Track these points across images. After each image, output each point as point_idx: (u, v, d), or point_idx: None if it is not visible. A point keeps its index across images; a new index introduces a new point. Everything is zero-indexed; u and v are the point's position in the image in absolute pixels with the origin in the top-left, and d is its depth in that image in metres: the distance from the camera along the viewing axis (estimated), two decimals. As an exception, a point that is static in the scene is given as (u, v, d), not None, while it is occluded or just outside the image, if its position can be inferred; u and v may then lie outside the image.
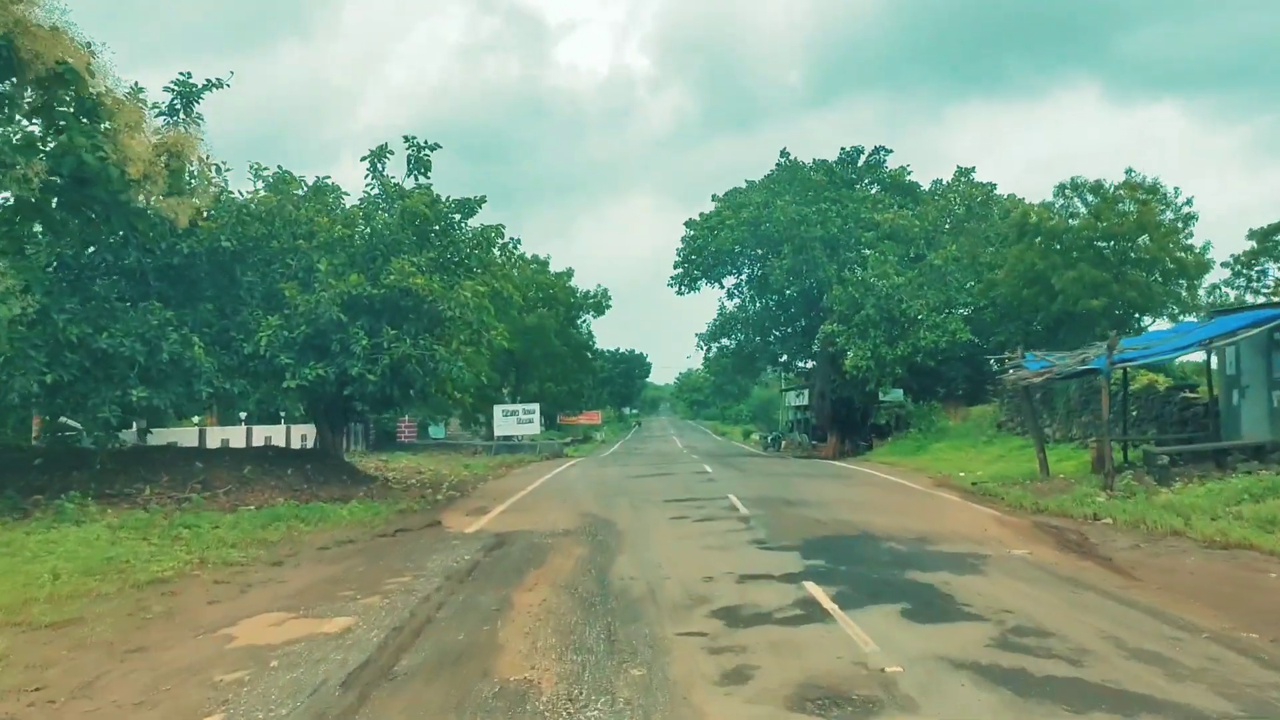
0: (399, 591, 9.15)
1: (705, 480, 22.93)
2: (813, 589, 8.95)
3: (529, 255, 49.54)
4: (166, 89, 16.97)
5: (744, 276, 42.87)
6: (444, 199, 19.94)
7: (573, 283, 51.64)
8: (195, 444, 24.58)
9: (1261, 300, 30.36)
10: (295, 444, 28.05)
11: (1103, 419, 16.46)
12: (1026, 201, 37.80)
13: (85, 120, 14.66)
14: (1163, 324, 32.07)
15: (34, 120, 13.96)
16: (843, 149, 42.14)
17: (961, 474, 23.20)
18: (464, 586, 9.47)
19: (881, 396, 35.56)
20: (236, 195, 17.59)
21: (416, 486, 20.85)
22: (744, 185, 42.01)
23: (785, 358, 44.90)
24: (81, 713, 5.74)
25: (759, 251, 40.22)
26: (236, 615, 8.23)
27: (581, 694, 5.86)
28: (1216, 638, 7.12)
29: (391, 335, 16.87)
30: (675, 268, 41.93)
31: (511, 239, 21.26)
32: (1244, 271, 39.06)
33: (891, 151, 42.47)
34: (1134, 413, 21.88)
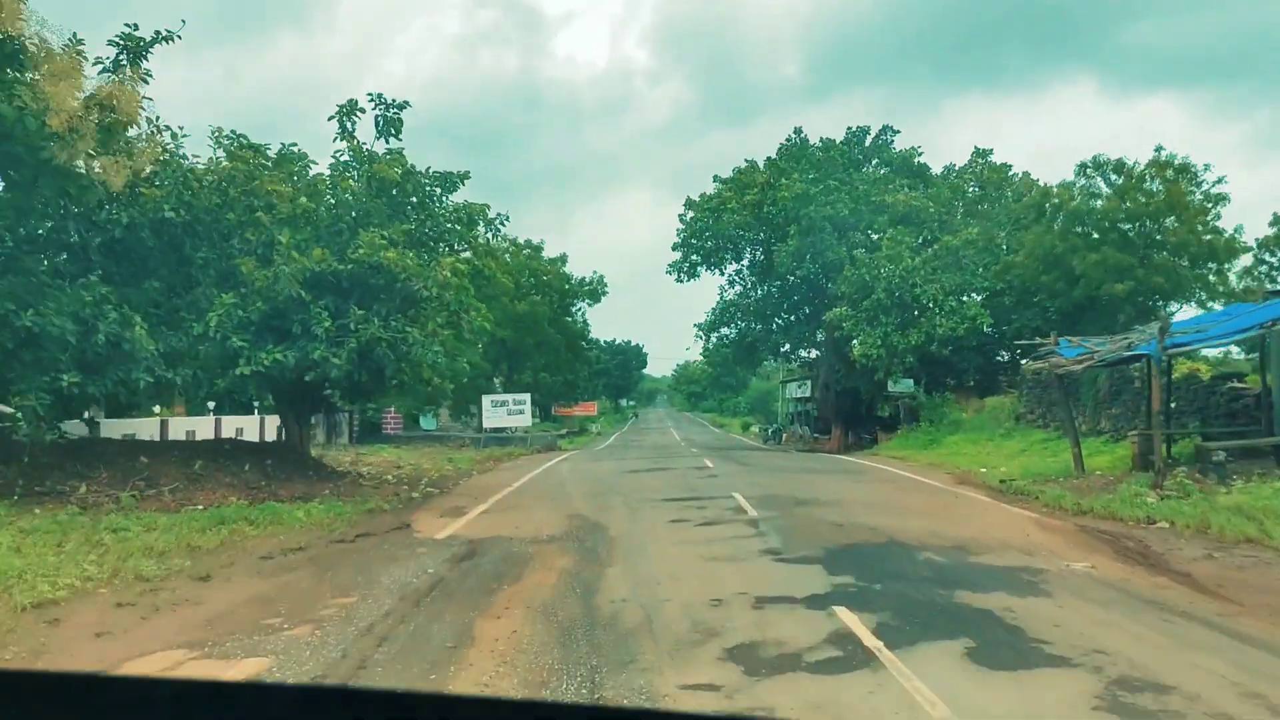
0: (337, 619, 7.42)
1: (707, 476, 21.20)
2: (847, 618, 7.23)
3: (521, 240, 47.78)
4: (111, 43, 15.21)
5: (746, 262, 41.08)
6: (424, 170, 18.18)
7: (567, 269, 49.82)
8: (156, 436, 22.87)
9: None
10: (270, 436, 26.25)
11: (1153, 411, 14.77)
12: (1041, 184, 36.12)
13: (8, 70, 12.93)
14: (1189, 310, 30.42)
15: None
16: (849, 128, 40.37)
17: (983, 470, 21.55)
18: (419, 611, 7.75)
19: (891, 387, 33.85)
20: (187, 160, 15.76)
21: (391, 483, 19.12)
22: (744, 165, 40.16)
23: (788, 347, 43.09)
24: None
25: (762, 235, 38.43)
26: (122, 654, 6.50)
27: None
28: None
29: (359, 316, 15.13)
30: (675, 250, 40.14)
31: (499, 215, 19.50)
32: (1267, 259, 37.43)
33: (899, 132, 40.71)
34: (1173, 404, 20.15)
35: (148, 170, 14.08)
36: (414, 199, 17.52)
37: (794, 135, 39.50)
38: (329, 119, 16.99)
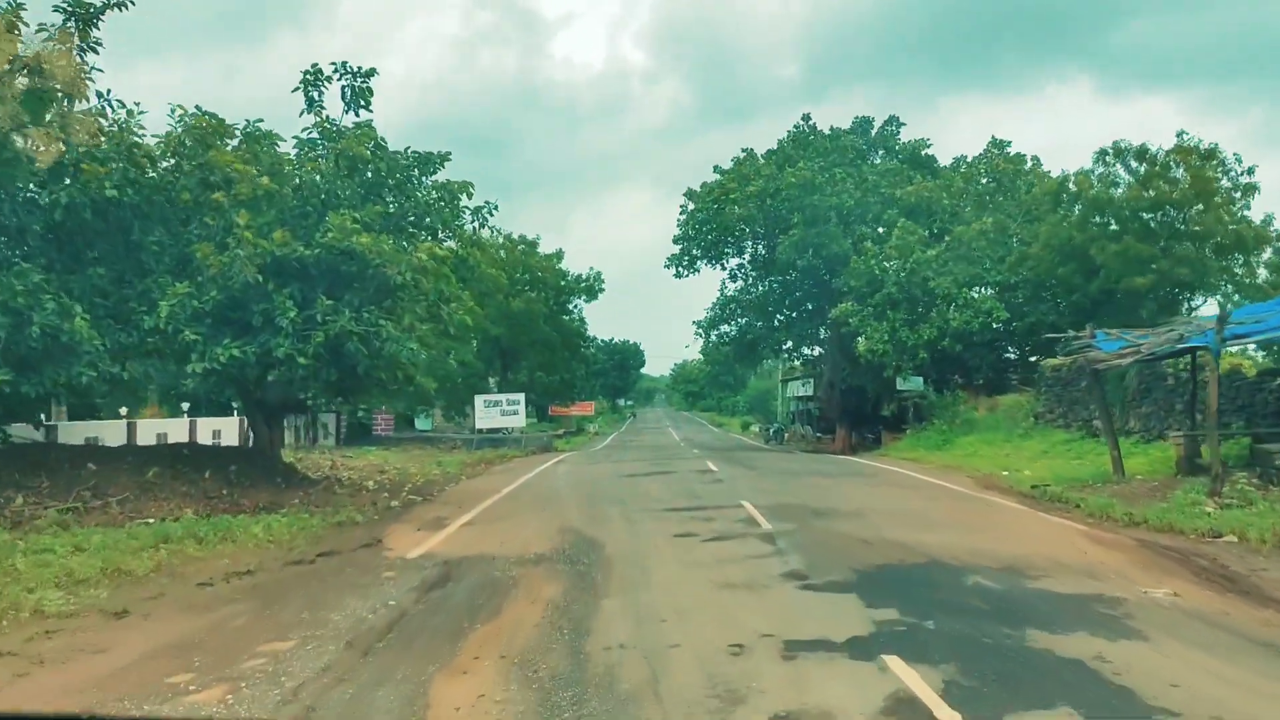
0: (262, 676, 5.90)
1: (711, 481, 19.68)
2: (903, 673, 5.74)
3: (516, 235, 46.26)
4: (56, 9, 13.71)
5: (747, 257, 39.54)
6: (402, 151, 16.66)
7: (563, 265, 48.27)
8: (123, 440, 21.34)
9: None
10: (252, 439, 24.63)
11: (1210, 410, 13.26)
12: (1053, 174, 34.63)
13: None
14: (1213, 305, 28.94)
15: None
16: (855, 118, 38.84)
17: (1005, 473, 20.10)
18: (367, 664, 6.24)
19: (900, 384, 32.37)
20: (136, 135, 14.20)
21: (370, 490, 17.59)
22: (742, 155, 38.61)
23: (790, 344, 41.56)
24: None
25: (764, 229, 36.91)
26: (-32, 733, 5.00)
27: None
28: None
29: (327, 306, 13.59)
30: (675, 244, 38.57)
31: (487, 203, 17.94)
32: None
33: (905, 124, 39.16)
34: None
35: (86, 145, 12.54)
36: (390, 180, 16.00)
37: (802, 122, 37.97)
38: (293, 90, 15.46)
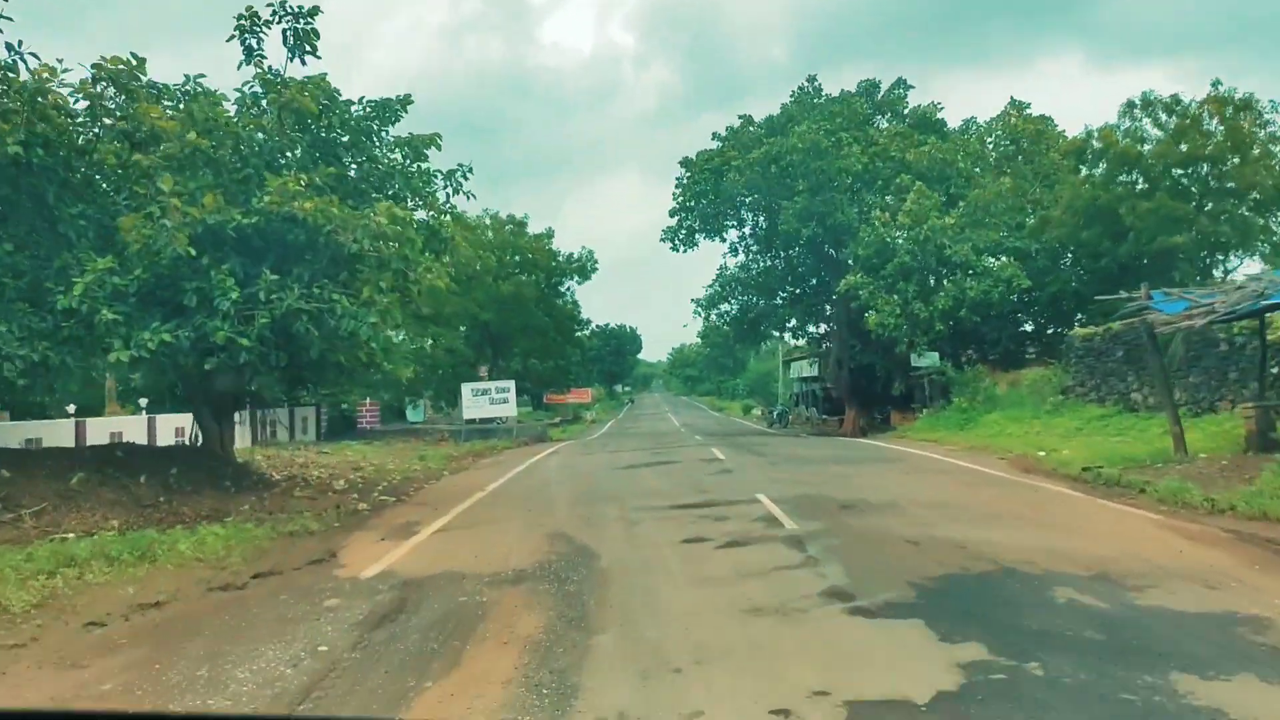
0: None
1: (719, 472, 17.79)
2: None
3: (504, 215, 44.23)
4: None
5: (748, 229, 37.57)
6: (357, 100, 14.72)
7: (554, 245, 46.23)
8: (74, 441, 19.45)
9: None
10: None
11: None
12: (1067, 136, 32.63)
13: None
14: (1252, 265, 27.11)
15: None
16: (861, 82, 36.73)
17: (1041, 453, 18.28)
18: (257, 759, 4.38)
19: (915, 360, 30.50)
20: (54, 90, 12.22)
21: (338, 491, 15.74)
22: (738, 122, 36.60)
23: (794, 322, 39.67)
24: None
25: (762, 201, 34.90)
26: None
27: None
28: None
29: (272, 282, 11.67)
30: (671, 216, 36.59)
31: (460, 166, 15.98)
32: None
33: (913, 87, 37.08)
34: (1275, 369, 16.85)
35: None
36: (344, 137, 14.06)
37: (806, 83, 35.85)
38: (227, 40, 13.45)
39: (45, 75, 11.87)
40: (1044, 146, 32.96)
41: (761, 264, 38.83)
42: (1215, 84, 26.38)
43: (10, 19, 11.96)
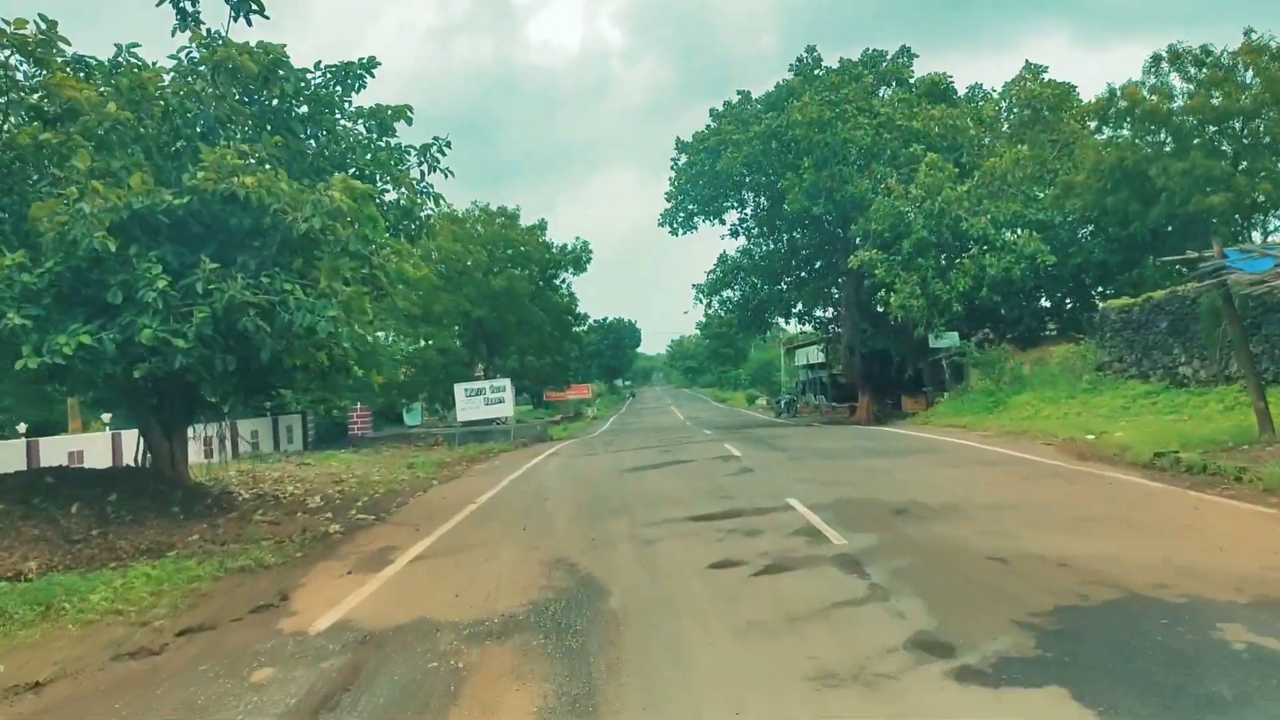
0: None
1: (738, 471, 15.97)
2: None
3: (495, 207, 42.36)
4: None
5: (749, 211, 35.73)
6: (314, 66, 12.88)
7: (547, 237, 44.33)
8: (25, 463, 17.65)
9: None
10: (197, 452, 20.73)
11: None
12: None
13: None
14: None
15: None
16: (865, 51, 34.77)
17: (1090, 436, 16.54)
18: None
19: (933, 342, 28.70)
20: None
21: (311, 510, 13.94)
22: (735, 98, 34.73)
23: (800, 307, 37.82)
24: None
25: (764, 180, 33.04)
26: None
27: None
28: None
29: (212, 271, 9.86)
30: (667, 200, 34.76)
31: (436, 139, 14.16)
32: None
33: (918, 56, 35.14)
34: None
35: None
36: (301, 108, 12.24)
37: (805, 54, 33.87)
38: (158, 4, 11.56)
39: None
40: (1062, 115, 31.04)
41: (764, 247, 37.01)
42: (1248, 33, 24.59)
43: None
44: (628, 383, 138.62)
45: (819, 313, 38.64)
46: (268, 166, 10.64)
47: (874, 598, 6.55)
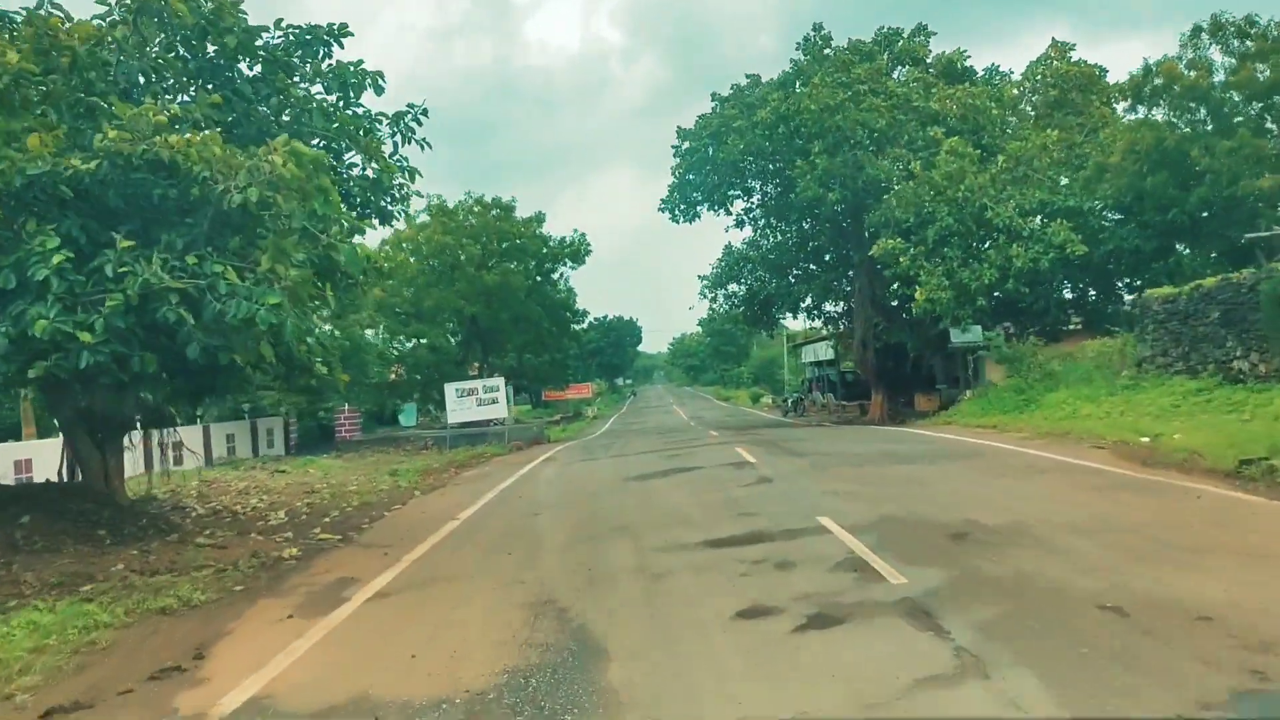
0: None
1: (756, 481, 14.16)
2: None
3: (489, 199, 40.61)
4: None
5: (755, 200, 33.96)
6: (274, 25, 11.19)
7: (544, 230, 42.53)
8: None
9: None
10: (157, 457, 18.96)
11: None
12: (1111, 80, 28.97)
13: None
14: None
15: None
16: (879, 29, 32.91)
17: (1143, 439, 14.88)
18: None
19: (956, 337, 26.94)
20: None
21: (270, 528, 12.23)
22: (744, 82, 32.93)
23: (810, 300, 36.07)
24: None
25: (771, 167, 31.27)
26: None
27: None
28: None
29: (124, 251, 8.15)
30: (671, 192, 32.99)
31: (411, 106, 12.47)
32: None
33: (935, 34, 33.28)
34: None
35: None
36: (254, 68, 10.53)
37: (813, 33, 32.06)
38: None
39: None
40: (1091, 97, 29.21)
41: (771, 238, 35.25)
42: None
43: None
44: (629, 381, 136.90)
45: (829, 306, 36.92)
46: (204, 129, 8.92)
47: (967, 671, 4.82)
